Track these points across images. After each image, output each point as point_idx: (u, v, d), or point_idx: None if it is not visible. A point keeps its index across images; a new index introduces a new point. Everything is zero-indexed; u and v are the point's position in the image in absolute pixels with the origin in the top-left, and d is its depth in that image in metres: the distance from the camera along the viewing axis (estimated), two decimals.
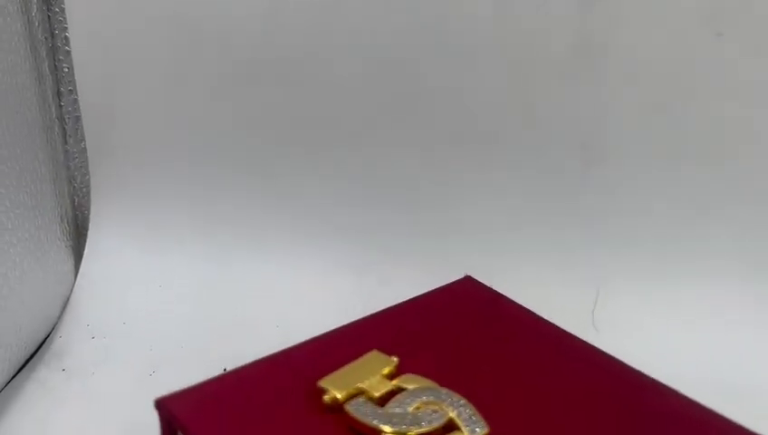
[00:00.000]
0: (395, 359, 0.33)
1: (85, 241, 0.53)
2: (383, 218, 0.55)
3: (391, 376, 0.32)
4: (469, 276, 0.43)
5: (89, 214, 0.54)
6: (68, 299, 0.51)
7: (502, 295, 0.41)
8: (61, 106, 0.51)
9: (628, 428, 0.30)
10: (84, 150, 0.53)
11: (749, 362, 0.50)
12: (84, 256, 0.53)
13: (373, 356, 0.33)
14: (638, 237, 0.55)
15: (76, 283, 0.53)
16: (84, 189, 0.53)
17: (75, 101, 0.51)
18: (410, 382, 0.31)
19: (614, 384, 0.34)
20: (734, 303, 0.53)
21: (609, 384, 0.34)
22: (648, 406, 0.32)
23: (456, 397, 0.30)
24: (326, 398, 0.30)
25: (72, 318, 0.51)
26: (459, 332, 0.37)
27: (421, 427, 0.28)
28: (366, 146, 0.57)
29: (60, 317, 0.50)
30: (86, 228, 0.53)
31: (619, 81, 0.54)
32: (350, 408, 0.29)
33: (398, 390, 0.31)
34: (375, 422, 0.28)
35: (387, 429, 0.28)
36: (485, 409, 0.30)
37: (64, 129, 0.52)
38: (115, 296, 0.52)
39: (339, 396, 0.30)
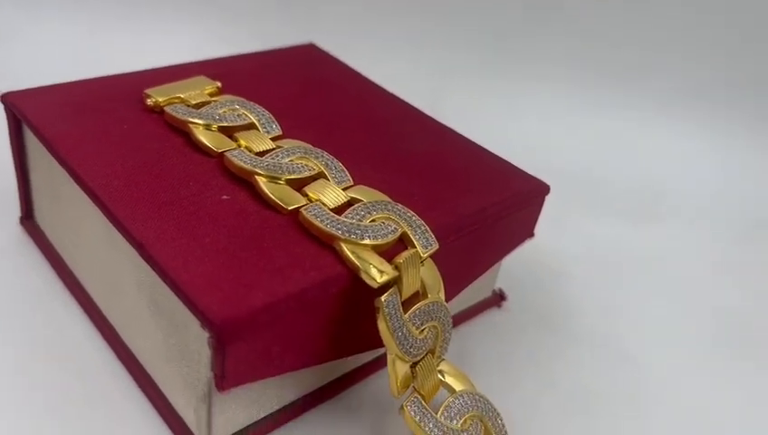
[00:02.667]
0: (218, 83, 0.38)
1: None
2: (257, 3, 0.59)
3: (212, 95, 0.37)
4: (313, 44, 0.48)
5: None
6: None
7: (341, 61, 0.47)
8: None
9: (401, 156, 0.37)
10: None
11: (563, 151, 0.58)
12: None
13: (199, 79, 0.38)
14: (482, 38, 0.60)
15: None
16: None
17: None
18: (226, 98, 0.37)
19: (412, 126, 0.40)
20: (560, 103, 0.61)
21: (402, 124, 0.40)
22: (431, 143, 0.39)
23: (261, 108, 0.36)
24: (149, 101, 0.35)
25: None
26: (288, 75, 0.42)
27: (225, 122, 0.34)
28: None
29: None
30: None
31: None
32: (169, 109, 0.35)
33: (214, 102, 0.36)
34: (187, 117, 0.34)
35: (197, 121, 0.34)
36: (283, 120, 0.36)
37: None
38: None
39: (160, 100, 0.35)
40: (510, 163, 0.38)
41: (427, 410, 0.30)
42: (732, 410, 0.37)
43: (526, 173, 0.37)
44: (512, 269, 0.43)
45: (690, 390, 0.38)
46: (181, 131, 0.34)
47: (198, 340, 0.26)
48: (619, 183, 0.56)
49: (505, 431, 0.32)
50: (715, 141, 0.61)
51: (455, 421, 0.31)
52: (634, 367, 0.39)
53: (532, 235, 0.39)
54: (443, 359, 0.32)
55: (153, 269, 0.27)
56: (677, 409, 0.37)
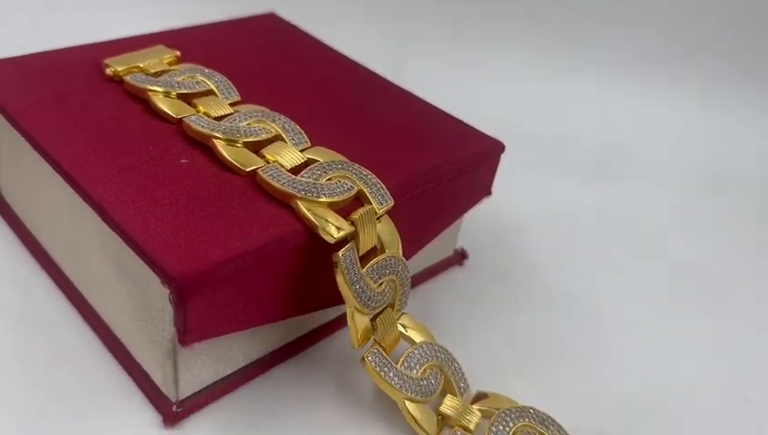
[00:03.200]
0: (177, 52, 0.38)
1: None
2: None
3: (171, 64, 0.38)
4: (273, 13, 0.49)
5: None
6: None
7: (301, 29, 0.47)
8: None
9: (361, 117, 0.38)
10: None
11: (522, 113, 0.59)
12: None
13: (158, 48, 0.38)
14: (442, 4, 0.61)
15: None
16: None
17: None
18: (185, 66, 0.37)
19: (369, 91, 0.41)
20: (519, 66, 0.62)
21: (360, 88, 0.41)
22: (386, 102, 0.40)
23: (219, 75, 0.36)
24: (108, 71, 0.36)
25: None
26: (248, 43, 0.43)
27: (183, 89, 0.35)
28: None
29: None
30: None
31: None
32: (128, 78, 0.35)
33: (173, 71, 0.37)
34: (146, 85, 0.35)
35: (157, 88, 0.34)
36: (243, 87, 0.36)
37: None
38: None
39: (119, 69, 0.36)
40: (466, 124, 0.39)
41: (387, 360, 0.31)
42: (688, 359, 0.39)
43: (481, 133, 0.38)
44: (473, 228, 0.44)
45: (647, 341, 0.39)
46: (141, 99, 0.35)
47: (161, 297, 0.27)
48: (577, 144, 0.57)
49: (465, 380, 0.34)
50: (669, 101, 0.62)
51: (414, 371, 0.32)
52: (592, 321, 0.40)
53: (489, 193, 0.40)
54: (404, 313, 0.33)
55: (115, 231, 0.28)
56: (633, 360, 0.38)
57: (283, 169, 0.31)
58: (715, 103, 0.62)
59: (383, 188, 0.31)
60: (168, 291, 0.26)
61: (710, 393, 0.37)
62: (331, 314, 0.36)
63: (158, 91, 0.34)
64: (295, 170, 0.31)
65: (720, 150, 0.60)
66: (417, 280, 0.40)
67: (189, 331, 0.27)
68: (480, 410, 0.33)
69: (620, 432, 0.34)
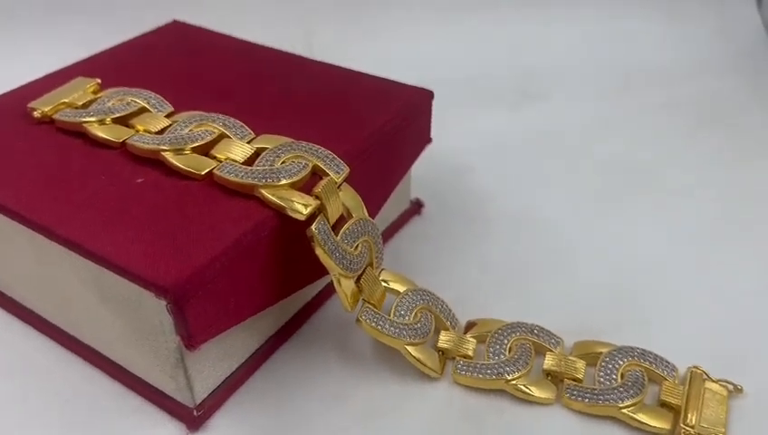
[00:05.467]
0: (98, 79, 0.39)
1: None
2: None
3: (95, 92, 0.38)
4: (176, 20, 0.49)
5: None
6: None
7: (209, 30, 0.47)
8: None
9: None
10: None
11: (438, 59, 0.61)
12: None
13: (78, 81, 0.39)
14: None
15: None
16: None
17: None
18: (110, 91, 0.37)
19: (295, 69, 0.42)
20: (425, 15, 0.64)
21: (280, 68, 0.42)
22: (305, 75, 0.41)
23: (147, 91, 0.37)
24: (36, 114, 0.36)
25: None
26: (162, 54, 0.43)
27: (117, 113, 0.35)
28: None
29: None
30: None
31: None
32: (58, 116, 0.35)
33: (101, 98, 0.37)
34: (78, 118, 0.35)
35: (90, 119, 0.35)
36: (172, 97, 0.37)
37: None
38: None
39: (46, 110, 0.36)
40: (391, 81, 0.40)
41: (380, 314, 0.33)
42: (641, 242, 0.42)
43: (407, 85, 0.40)
44: (423, 178, 0.46)
45: (601, 236, 0.42)
46: (78, 133, 0.35)
47: (157, 312, 0.28)
48: (494, 79, 0.60)
49: (453, 315, 0.36)
50: (565, 19, 0.65)
51: (407, 317, 0.34)
52: (549, 232, 0.43)
53: (429, 140, 0.42)
54: (383, 269, 0.35)
55: (96, 263, 0.28)
56: (595, 256, 0.41)
57: (237, 164, 0.32)
58: (605, 8, 0.66)
59: (336, 158, 0.33)
60: (164, 303, 0.27)
61: (666, 267, 0.40)
62: (315, 287, 0.37)
63: (93, 121, 0.35)
64: (248, 162, 0.32)
65: (620, 52, 0.63)
66: (384, 237, 0.42)
67: (193, 334, 0.28)
68: (474, 338, 0.35)
69: (603, 321, 0.37)
